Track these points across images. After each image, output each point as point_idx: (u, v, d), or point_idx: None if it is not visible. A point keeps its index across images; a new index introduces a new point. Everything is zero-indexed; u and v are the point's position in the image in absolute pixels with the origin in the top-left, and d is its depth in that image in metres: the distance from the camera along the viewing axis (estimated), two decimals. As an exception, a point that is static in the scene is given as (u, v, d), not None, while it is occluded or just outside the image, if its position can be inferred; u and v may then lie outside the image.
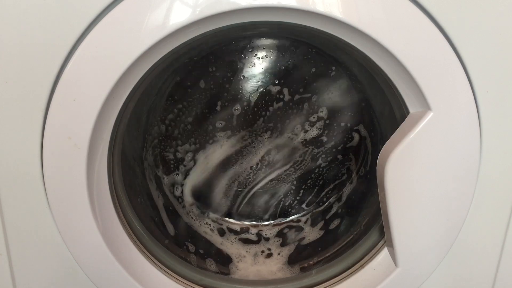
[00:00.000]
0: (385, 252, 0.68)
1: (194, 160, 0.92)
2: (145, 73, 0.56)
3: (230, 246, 0.86)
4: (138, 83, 0.57)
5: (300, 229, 0.90)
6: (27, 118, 0.56)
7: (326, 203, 0.92)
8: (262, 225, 0.92)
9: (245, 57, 0.87)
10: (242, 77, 0.88)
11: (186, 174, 0.92)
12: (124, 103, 0.58)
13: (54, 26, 0.52)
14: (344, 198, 0.91)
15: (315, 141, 0.93)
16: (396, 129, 0.60)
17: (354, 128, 0.91)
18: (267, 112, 0.90)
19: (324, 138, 0.92)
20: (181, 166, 0.92)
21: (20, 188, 0.60)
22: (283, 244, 0.86)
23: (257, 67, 0.88)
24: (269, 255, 0.83)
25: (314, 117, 0.91)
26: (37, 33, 0.52)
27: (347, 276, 0.70)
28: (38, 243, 0.63)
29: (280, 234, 0.90)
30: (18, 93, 0.55)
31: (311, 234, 0.87)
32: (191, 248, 0.81)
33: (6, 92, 0.55)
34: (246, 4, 0.51)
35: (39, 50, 0.53)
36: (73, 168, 0.56)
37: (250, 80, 0.89)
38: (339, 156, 0.93)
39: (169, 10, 0.51)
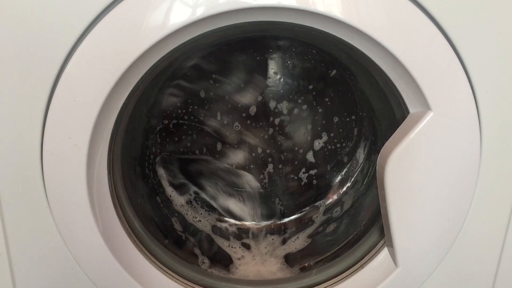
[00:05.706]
0: (385, 252, 0.68)
1: (194, 159, 0.92)
2: (145, 73, 0.56)
3: (230, 246, 0.85)
4: (138, 83, 0.57)
5: (298, 229, 0.90)
6: (27, 118, 0.56)
7: (325, 204, 0.92)
8: (261, 226, 0.92)
9: (245, 57, 0.87)
10: (241, 83, 0.89)
11: (185, 174, 0.92)
12: (124, 103, 0.58)
13: (54, 26, 0.52)
14: (344, 201, 0.91)
15: (315, 143, 0.93)
16: (396, 129, 0.60)
17: (354, 128, 0.91)
18: (266, 115, 0.90)
19: (324, 139, 0.92)
20: (181, 166, 0.92)
21: (20, 188, 0.60)
22: (280, 245, 0.86)
23: (257, 67, 0.88)
24: (267, 259, 0.83)
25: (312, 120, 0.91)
26: (37, 33, 0.52)
27: (347, 276, 0.70)
28: (38, 243, 0.63)
29: (277, 236, 0.90)
30: (18, 93, 0.55)
31: (299, 241, 0.87)
32: (192, 247, 0.81)
33: (6, 92, 0.55)
34: (246, 4, 0.51)
35: (39, 50, 0.53)
36: (73, 168, 0.56)
37: (249, 81, 0.89)
38: (338, 157, 0.93)
39: (169, 10, 0.51)
